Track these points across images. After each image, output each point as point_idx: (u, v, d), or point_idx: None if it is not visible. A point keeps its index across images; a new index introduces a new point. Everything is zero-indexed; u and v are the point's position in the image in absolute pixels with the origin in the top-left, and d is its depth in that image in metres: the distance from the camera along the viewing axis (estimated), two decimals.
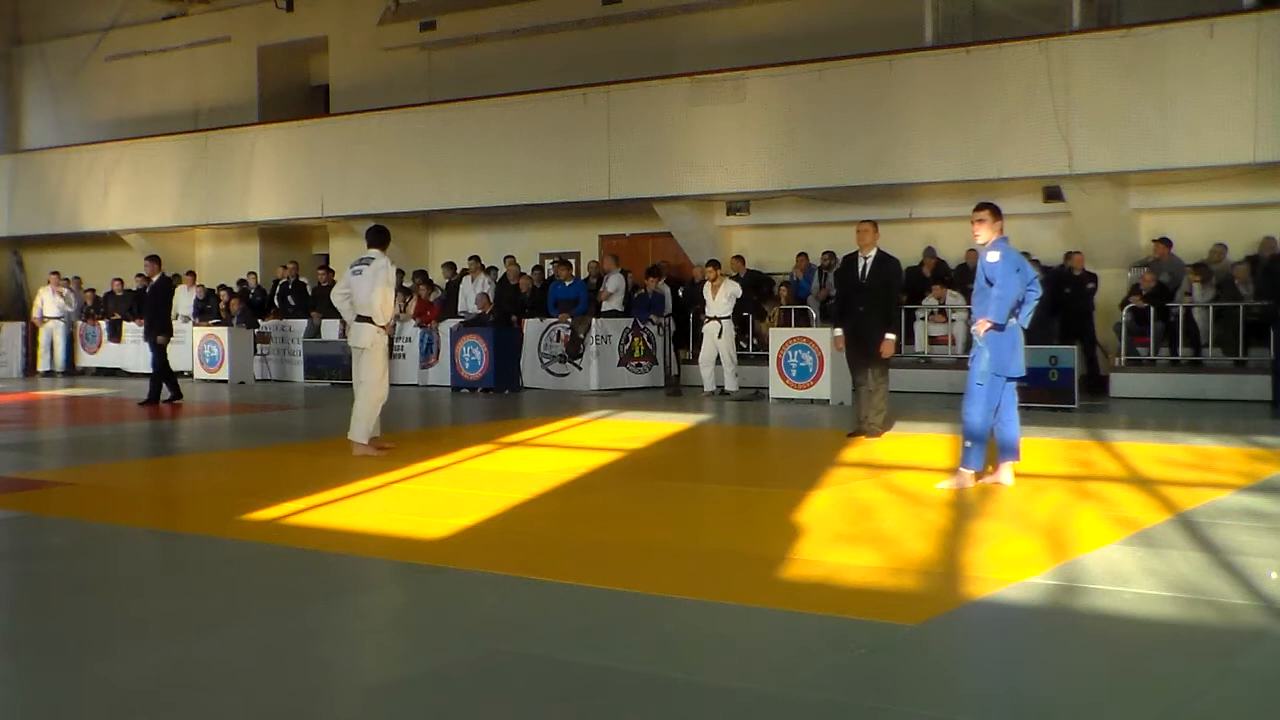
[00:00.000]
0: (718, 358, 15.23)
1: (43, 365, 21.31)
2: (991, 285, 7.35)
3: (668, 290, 17.27)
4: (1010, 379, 7.50)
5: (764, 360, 14.90)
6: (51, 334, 21.34)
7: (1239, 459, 8.92)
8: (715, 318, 15.15)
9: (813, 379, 13.98)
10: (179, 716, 3.63)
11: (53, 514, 7.13)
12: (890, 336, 9.96)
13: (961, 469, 7.47)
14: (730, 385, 15.17)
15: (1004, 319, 7.35)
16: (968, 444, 7.43)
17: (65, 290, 21.61)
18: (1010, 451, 7.57)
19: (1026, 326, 7.58)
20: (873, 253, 10.15)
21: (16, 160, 25.12)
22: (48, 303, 21.33)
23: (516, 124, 18.41)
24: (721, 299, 15.11)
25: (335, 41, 22.66)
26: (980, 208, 7.60)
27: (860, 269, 10.17)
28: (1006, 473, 7.54)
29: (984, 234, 7.50)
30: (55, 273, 22.01)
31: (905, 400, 13.58)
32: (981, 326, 7.39)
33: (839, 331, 10.48)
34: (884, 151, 15.64)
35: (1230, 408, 12.99)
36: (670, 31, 18.94)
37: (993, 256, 7.37)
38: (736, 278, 17.16)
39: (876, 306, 10.03)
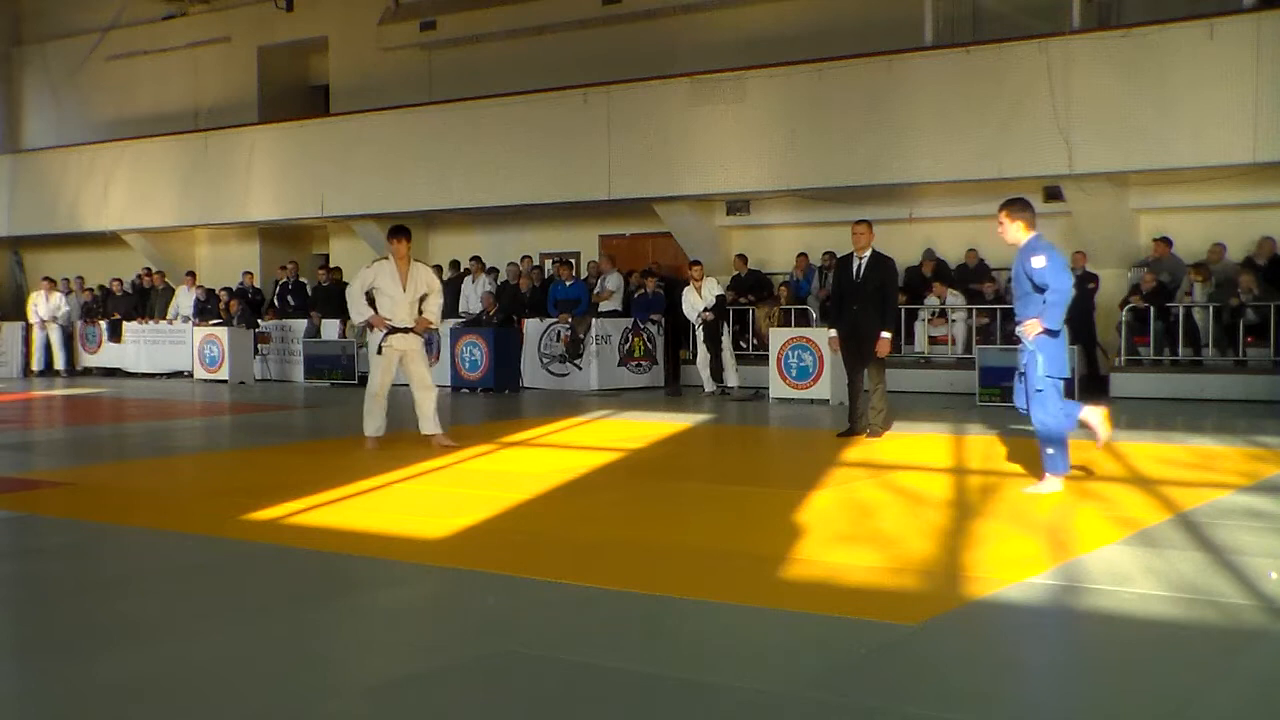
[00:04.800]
0: None
1: (36, 365, 21.31)
2: (1038, 289, 7.03)
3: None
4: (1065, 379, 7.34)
5: (764, 360, 14.91)
6: (47, 335, 21.35)
7: (1239, 459, 8.92)
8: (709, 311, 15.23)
9: (813, 379, 13.98)
10: (178, 716, 3.62)
11: (51, 514, 7.13)
12: (886, 335, 9.96)
13: (1049, 475, 7.20)
14: (731, 382, 15.23)
15: (1061, 325, 7.05)
16: (1049, 450, 7.20)
17: (57, 294, 21.60)
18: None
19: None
20: (868, 253, 10.15)
21: (16, 160, 25.11)
22: (40, 306, 21.35)
23: (516, 124, 18.41)
24: (707, 297, 15.20)
25: (335, 41, 22.66)
26: (1001, 206, 7.36)
27: (855, 269, 10.17)
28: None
29: (1011, 233, 7.23)
30: (46, 279, 22.01)
31: (905, 400, 13.59)
32: (1031, 330, 7.08)
33: (833, 332, 10.49)
34: (884, 151, 15.64)
35: (1230, 408, 12.99)
36: (670, 31, 18.94)
37: (1038, 262, 7.00)
38: (737, 277, 17.22)
39: (872, 306, 10.02)
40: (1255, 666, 4.02)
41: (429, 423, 9.83)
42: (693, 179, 17.11)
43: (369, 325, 9.83)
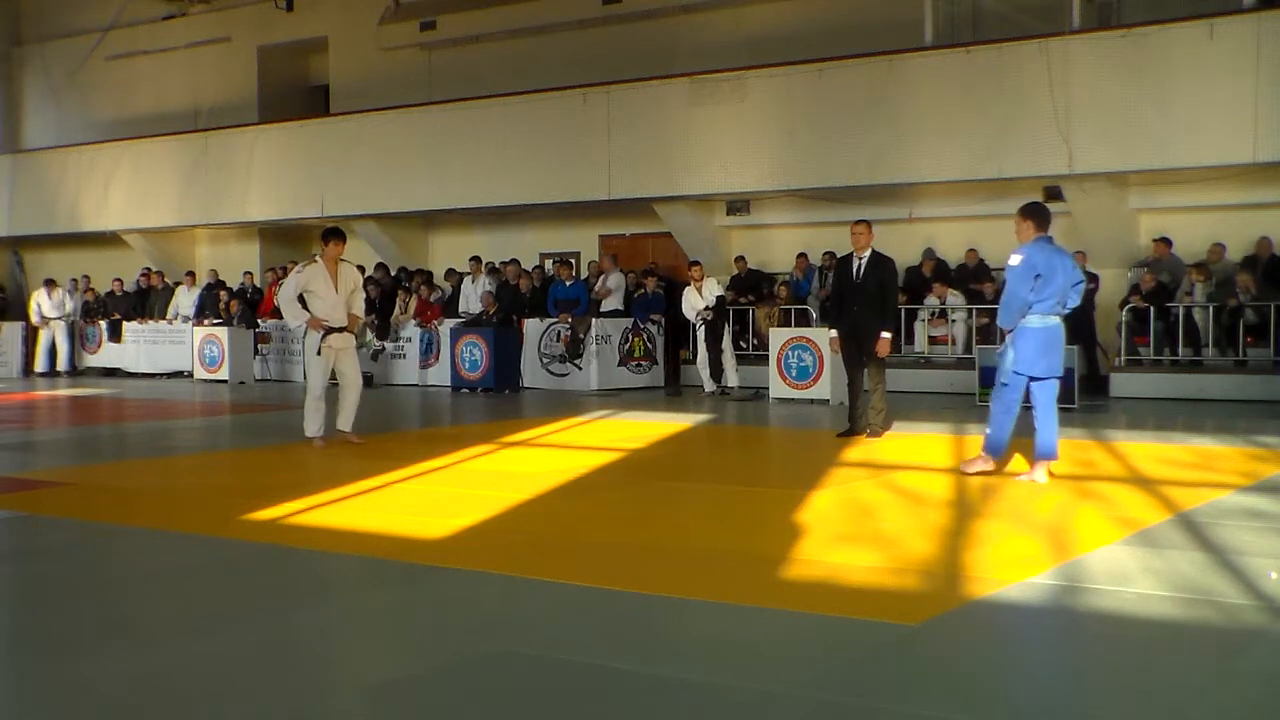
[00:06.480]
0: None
1: (39, 366, 21.33)
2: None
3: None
4: (1036, 379, 7.53)
5: (764, 360, 14.91)
6: (53, 334, 21.38)
7: (1239, 459, 8.92)
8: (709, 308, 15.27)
9: (813, 379, 13.98)
10: (179, 716, 3.62)
11: (52, 514, 7.13)
12: (886, 335, 9.96)
13: (982, 452, 7.76)
14: (731, 382, 15.25)
15: (1010, 323, 7.49)
16: (988, 431, 7.73)
17: (59, 290, 21.63)
18: (1042, 451, 7.60)
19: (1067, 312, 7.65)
20: (867, 253, 10.15)
21: (16, 160, 25.10)
22: (44, 304, 21.37)
23: (516, 124, 18.40)
24: (707, 297, 15.22)
25: (335, 41, 22.65)
26: (1017, 210, 7.76)
27: (855, 269, 10.16)
28: (1039, 471, 7.59)
29: (1020, 237, 7.59)
30: (48, 281, 21.96)
31: (905, 400, 13.59)
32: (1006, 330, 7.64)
33: (834, 333, 10.49)
34: (884, 151, 15.64)
35: (1230, 408, 12.99)
36: (670, 31, 18.93)
37: (1013, 260, 7.50)
38: (737, 277, 17.23)
39: (871, 306, 10.02)
40: (1255, 666, 4.02)
41: (346, 420, 10.09)
42: (693, 179, 17.10)
43: (307, 327, 10.06)
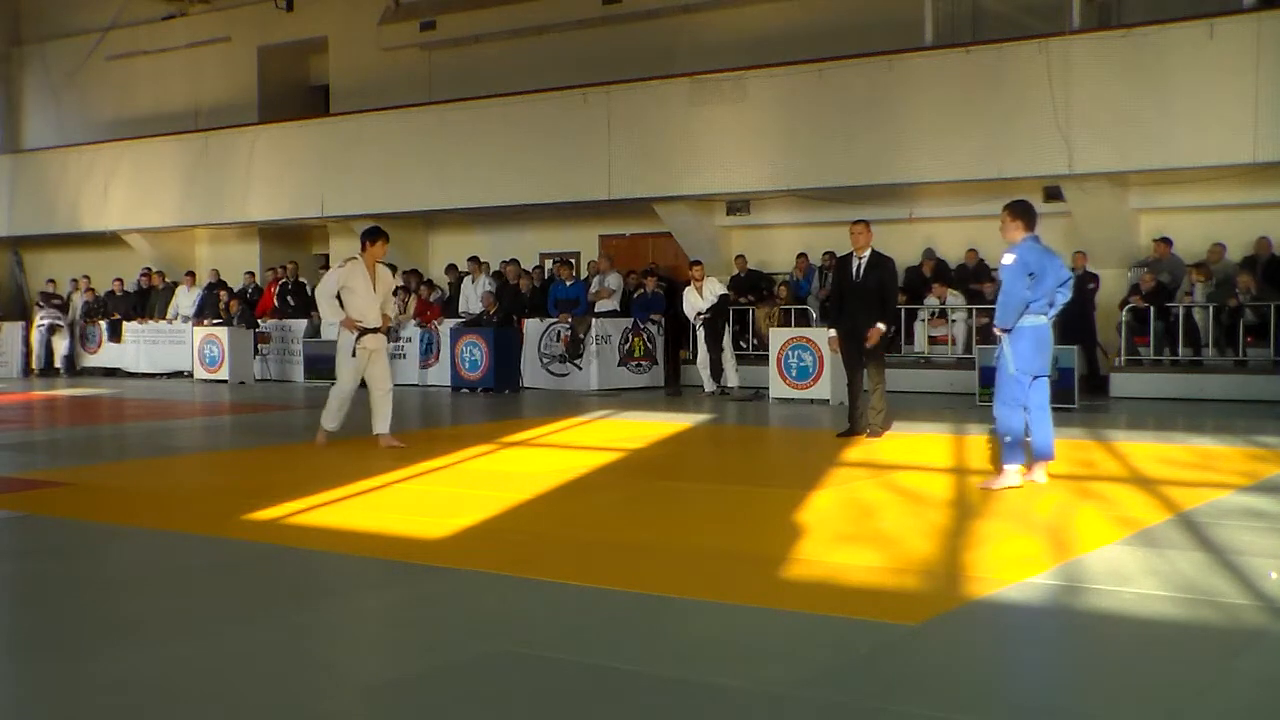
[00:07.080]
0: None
1: (36, 364, 21.34)
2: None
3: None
4: (1036, 377, 7.51)
5: (764, 360, 14.91)
6: (48, 335, 21.40)
7: (1239, 459, 8.92)
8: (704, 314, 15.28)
9: (813, 379, 13.98)
10: (178, 716, 3.62)
11: (52, 514, 7.12)
12: (880, 326, 9.95)
13: (1005, 466, 7.42)
14: (731, 382, 15.25)
15: (1009, 322, 7.43)
16: (1006, 438, 7.44)
17: (64, 333, 21.65)
18: (1039, 452, 7.57)
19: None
20: (867, 253, 10.16)
21: (16, 160, 25.10)
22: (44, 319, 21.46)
23: (516, 124, 18.40)
24: (709, 297, 15.22)
25: (335, 41, 22.65)
26: (1005, 208, 7.65)
27: (855, 269, 10.17)
28: (1039, 472, 7.57)
29: (1007, 235, 7.53)
30: (51, 324, 21.84)
31: (905, 400, 13.59)
32: (998, 330, 7.57)
33: (833, 332, 10.49)
34: (884, 151, 15.64)
35: (1230, 408, 12.99)
36: (670, 31, 18.94)
37: (1006, 259, 7.47)
38: (737, 277, 17.23)
39: (871, 306, 10.03)
40: (1255, 666, 4.02)
41: (383, 422, 9.96)
42: (693, 179, 17.10)
43: (341, 327, 10.00)
